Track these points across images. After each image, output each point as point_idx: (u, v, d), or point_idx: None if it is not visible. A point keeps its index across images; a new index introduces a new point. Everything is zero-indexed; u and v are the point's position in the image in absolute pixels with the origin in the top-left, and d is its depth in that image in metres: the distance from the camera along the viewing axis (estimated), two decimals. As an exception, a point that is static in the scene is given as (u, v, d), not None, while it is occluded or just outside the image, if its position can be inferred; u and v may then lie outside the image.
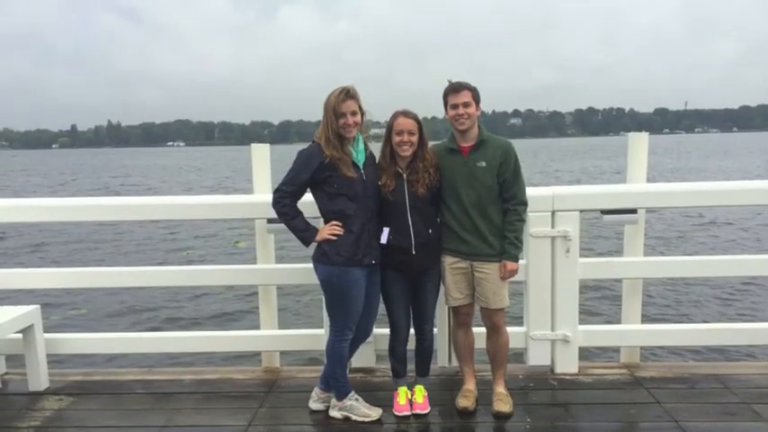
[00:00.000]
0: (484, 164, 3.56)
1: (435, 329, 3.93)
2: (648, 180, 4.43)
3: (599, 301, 8.94)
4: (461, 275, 3.67)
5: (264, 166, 4.46)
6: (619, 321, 4.70)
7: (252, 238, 4.64)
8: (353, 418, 3.62)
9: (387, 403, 3.74)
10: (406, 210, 3.53)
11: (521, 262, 3.79)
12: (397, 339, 3.77)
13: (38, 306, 4.21)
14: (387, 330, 3.83)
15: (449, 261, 3.68)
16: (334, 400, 3.69)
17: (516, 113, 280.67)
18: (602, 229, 13.46)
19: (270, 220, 4.18)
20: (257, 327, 4.69)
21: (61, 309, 9.09)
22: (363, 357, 4.26)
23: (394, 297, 3.69)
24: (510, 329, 3.92)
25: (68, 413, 3.88)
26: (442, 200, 3.66)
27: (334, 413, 3.67)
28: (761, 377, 4.12)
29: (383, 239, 3.55)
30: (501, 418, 3.62)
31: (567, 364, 4.23)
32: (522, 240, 3.69)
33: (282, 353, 4.71)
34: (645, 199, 4.26)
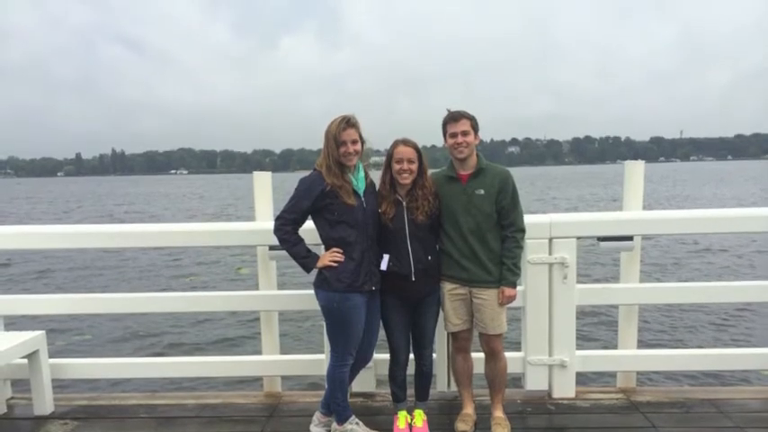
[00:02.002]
0: (482, 192, 3.62)
1: (434, 354, 3.97)
2: (644, 207, 4.48)
3: (596, 326, 8.96)
4: (460, 301, 3.72)
5: (266, 194, 4.53)
6: (615, 347, 4.74)
7: (254, 264, 4.69)
8: (354, 441, 3.65)
9: (387, 427, 3.78)
10: (405, 237, 3.58)
11: (519, 288, 3.85)
12: (396, 364, 3.80)
13: (43, 332, 4.26)
14: (387, 355, 3.87)
15: (448, 287, 3.72)
16: (334, 425, 3.73)
17: (514, 142, 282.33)
18: (599, 256, 13.52)
19: (272, 247, 4.23)
20: (259, 352, 4.74)
21: (66, 334, 9.16)
22: (363, 382, 4.30)
23: (394, 323, 3.72)
24: (508, 354, 3.96)
25: (73, 437, 3.91)
26: (441, 227, 3.71)
27: (334, 437, 3.71)
28: (755, 402, 4.17)
29: (383, 266, 3.60)
30: (499, 441, 3.65)
31: (565, 389, 4.27)
32: (520, 267, 3.74)
33: (284, 377, 4.75)
34: (641, 226, 4.31)
